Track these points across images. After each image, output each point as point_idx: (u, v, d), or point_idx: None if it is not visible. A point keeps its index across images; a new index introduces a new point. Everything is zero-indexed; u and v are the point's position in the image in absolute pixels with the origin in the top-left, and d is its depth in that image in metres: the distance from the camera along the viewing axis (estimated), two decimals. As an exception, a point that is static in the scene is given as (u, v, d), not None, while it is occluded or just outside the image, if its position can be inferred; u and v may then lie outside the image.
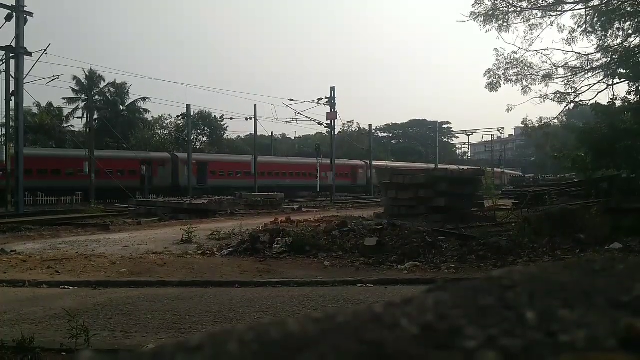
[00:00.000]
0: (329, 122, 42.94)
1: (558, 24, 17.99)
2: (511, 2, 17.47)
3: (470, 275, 8.16)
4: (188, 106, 41.49)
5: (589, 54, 17.90)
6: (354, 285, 7.93)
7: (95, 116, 45.88)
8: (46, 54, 26.35)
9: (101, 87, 55.37)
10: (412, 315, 0.62)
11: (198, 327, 5.54)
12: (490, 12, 17.59)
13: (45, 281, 8.40)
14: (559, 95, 18.18)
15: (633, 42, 17.20)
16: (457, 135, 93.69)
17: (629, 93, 16.81)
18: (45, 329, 5.53)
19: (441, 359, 0.49)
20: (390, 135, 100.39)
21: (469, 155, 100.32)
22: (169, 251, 11.82)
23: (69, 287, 8.05)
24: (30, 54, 25.12)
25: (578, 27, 17.75)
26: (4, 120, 30.60)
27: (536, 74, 18.23)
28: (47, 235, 15.56)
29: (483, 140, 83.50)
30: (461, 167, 44.72)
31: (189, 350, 0.51)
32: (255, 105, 43.44)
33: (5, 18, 24.19)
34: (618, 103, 16.66)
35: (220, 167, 43.78)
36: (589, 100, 17.80)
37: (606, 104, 16.82)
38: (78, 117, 53.45)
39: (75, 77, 51.97)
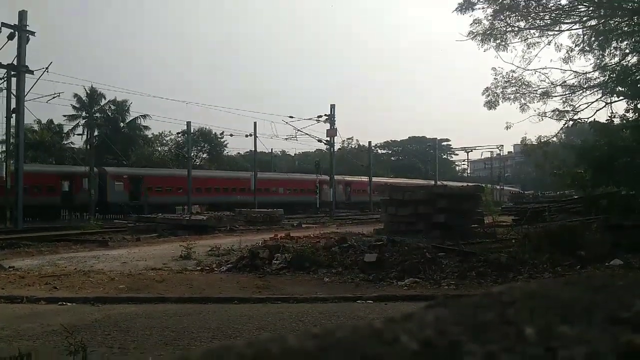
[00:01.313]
0: (328, 138, 43.09)
1: (555, 43, 18.14)
2: (509, 22, 17.64)
3: (470, 291, 8.13)
4: (188, 123, 41.65)
5: (586, 73, 18.04)
6: (353, 302, 7.89)
7: (96, 133, 46.05)
8: (47, 71, 26.52)
9: (102, 104, 55.64)
10: (412, 331, 0.61)
11: (196, 343, 5.50)
12: (488, 32, 17.75)
13: (43, 297, 8.36)
14: (557, 113, 18.30)
15: (630, 61, 17.34)
16: (456, 152, 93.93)
17: (627, 111, 16.91)
18: (43, 345, 5.49)
19: (441, 374, 0.49)
20: (390, 152, 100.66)
21: (469, 172, 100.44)
22: (167, 267, 11.77)
23: (67, 303, 8.01)
24: (31, 72, 25.30)
25: (575, 46, 17.92)
26: (5, 137, 30.67)
27: (534, 92, 18.36)
28: (46, 252, 15.50)
29: (482, 157, 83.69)
30: (458, 183, 44.37)
31: (188, 365, 0.51)
32: (255, 123, 43.64)
33: (7, 37, 24.40)
34: (616, 121, 16.76)
35: (157, 182, 40.86)
36: (588, 118, 17.91)
37: (604, 121, 16.92)
38: (78, 134, 53.62)
39: (76, 95, 52.24)
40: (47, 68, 26.46)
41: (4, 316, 7.04)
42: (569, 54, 17.98)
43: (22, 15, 24.46)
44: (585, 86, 17.97)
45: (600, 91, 17.80)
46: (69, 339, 4.42)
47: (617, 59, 17.59)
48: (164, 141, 64.54)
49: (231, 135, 48.55)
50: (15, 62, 24.59)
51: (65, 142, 55.17)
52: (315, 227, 25.06)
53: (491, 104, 18.75)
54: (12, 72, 24.85)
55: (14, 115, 25.08)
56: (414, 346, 0.57)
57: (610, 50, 17.46)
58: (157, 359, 4.78)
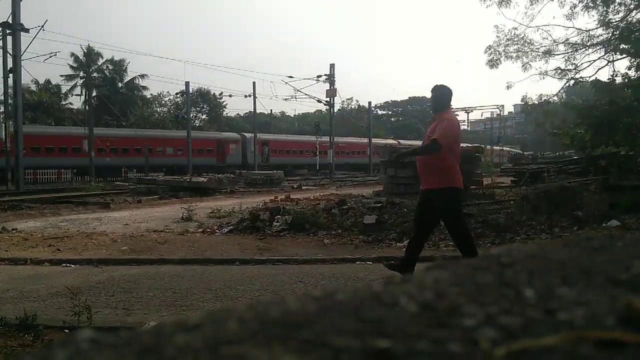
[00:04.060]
0: (328, 99, 42.75)
1: (559, -2, 17.78)
2: (512, -25, 17.24)
3: (469, 252, 8.19)
4: (187, 83, 41.25)
5: (589, 30, 17.73)
6: (353, 263, 7.98)
7: (94, 93, 45.66)
8: (43, 30, 26.13)
9: (99, 64, 55.00)
10: (411, 293, 0.62)
11: (199, 304, 5.59)
12: (490, -13, 17.38)
13: (47, 259, 8.45)
14: (559, 72, 18.07)
15: (635, 17, 17.02)
16: (456, 113, 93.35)
17: (629, 69, 16.71)
18: (48, 306, 5.58)
19: (440, 337, 0.49)
20: (390, 112, 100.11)
21: (468, 131, 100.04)
22: (169, 229, 11.86)
23: (71, 265, 8.10)
24: (27, 31, 24.89)
25: (579, 2, 17.55)
26: (2, 98, 30.37)
27: (536, 50, 18.09)
28: (48, 214, 15.60)
29: (482, 118, 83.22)
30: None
31: (188, 328, 0.51)
32: (254, 83, 43.29)
33: (0, -6, 23.94)
34: (618, 80, 16.57)
35: None
36: (589, 77, 17.70)
37: (606, 80, 16.72)
38: (76, 95, 53.21)
39: (73, 54, 51.56)
40: (42, 26, 26.07)
41: (9, 278, 7.13)
42: (572, 10, 17.64)
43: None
44: (587, 44, 17.71)
45: (603, 49, 17.55)
46: (73, 300, 4.48)
47: (621, 14, 17.27)
48: (163, 102, 64.13)
49: (230, 95, 48.36)
50: (10, 20, 24.17)
51: (64, 103, 54.77)
52: (315, 189, 25.14)
53: (493, 63, 18.52)
54: (8, 31, 24.46)
55: (11, 75, 24.81)
56: (413, 309, 0.57)
57: (615, 6, 17.12)
58: (159, 319, 4.86)
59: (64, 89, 54.58)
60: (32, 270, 7.75)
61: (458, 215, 6.18)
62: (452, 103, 6.60)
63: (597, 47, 17.58)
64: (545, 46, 17.99)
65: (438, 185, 5.98)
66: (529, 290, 0.63)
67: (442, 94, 6.35)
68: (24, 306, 5.09)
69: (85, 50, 51.45)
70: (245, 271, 7.42)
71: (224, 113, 69.07)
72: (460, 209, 6.38)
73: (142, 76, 54.61)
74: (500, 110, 74.16)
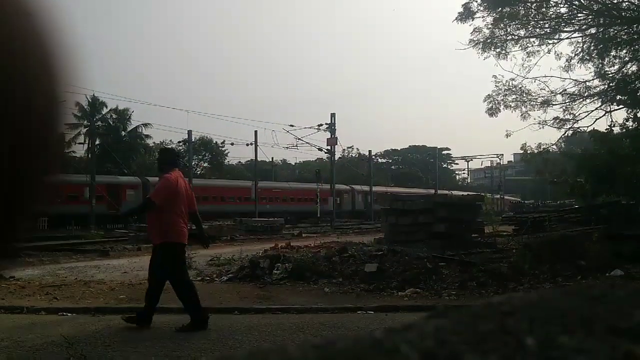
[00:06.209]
0: (329, 147, 43.08)
1: (555, 51, 18.20)
2: (508, 30, 17.69)
3: (471, 302, 8.10)
4: (189, 132, 41.66)
5: (586, 81, 18.07)
6: (354, 312, 7.87)
7: (97, 142, 46.09)
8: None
9: (103, 113, 55.68)
10: (412, 341, 0.62)
11: (197, 354, 5.48)
12: (488, 40, 17.81)
13: (44, 307, 8.34)
14: (557, 121, 18.30)
15: (630, 69, 17.38)
16: (456, 162, 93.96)
17: (627, 119, 16.94)
18: (43, 356, 5.47)
19: (441, 385, 0.49)
20: (390, 160, 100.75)
21: (469, 181, 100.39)
22: (168, 277, 11.72)
23: (68, 313, 7.99)
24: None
25: (575, 55, 17.96)
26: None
27: (534, 100, 18.38)
28: (47, 261, 15.48)
29: (482, 166, 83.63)
30: (460, 192, 43.67)
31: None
32: (255, 131, 43.68)
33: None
34: (616, 129, 16.78)
35: None
36: (588, 126, 17.92)
37: (604, 130, 16.94)
38: (80, 143, 53.56)
39: (77, 103, 52.25)
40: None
41: (4, 327, 7.02)
42: (568, 62, 18.05)
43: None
44: (585, 94, 18.01)
45: (600, 100, 17.83)
46: (69, 349, 4.41)
47: (616, 67, 17.66)
48: (165, 150, 64.49)
49: (232, 144, 48.67)
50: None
51: (67, 151, 55.15)
52: (316, 236, 25.02)
53: (492, 111, 18.78)
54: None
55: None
56: (414, 356, 0.57)
57: (610, 59, 17.52)
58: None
59: (67, 138, 55.14)
60: (28, 318, 7.64)
61: (172, 269, 6.82)
62: (176, 163, 7.24)
63: (594, 98, 17.87)
64: (543, 96, 18.30)
65: (159, 241, 6.69)
66: (529, 338, 0.63)
67: (164, 157, 7.26)
68: (19, 356, 4.99)
69: (90, 100, 52.21)
70: (244, 320, 7.31)
71: (226, 161, 69.47)
72: (177, 263, 6.90)
73: (145, 125, 55.15)
74: (500, 159, 74.62)
